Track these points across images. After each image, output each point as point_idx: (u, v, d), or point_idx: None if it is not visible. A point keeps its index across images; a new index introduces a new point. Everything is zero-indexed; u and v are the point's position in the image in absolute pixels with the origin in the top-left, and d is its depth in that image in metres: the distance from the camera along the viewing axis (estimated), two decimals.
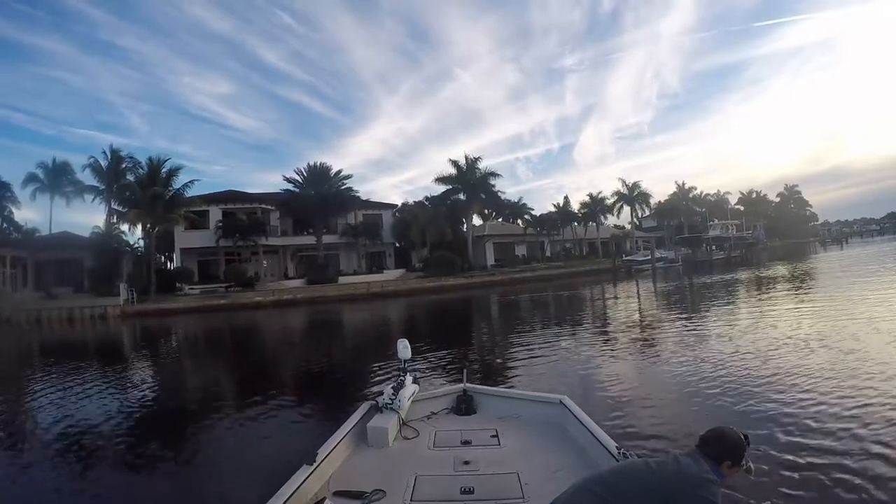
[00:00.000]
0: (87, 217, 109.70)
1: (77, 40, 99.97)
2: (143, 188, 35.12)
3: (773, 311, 14.36)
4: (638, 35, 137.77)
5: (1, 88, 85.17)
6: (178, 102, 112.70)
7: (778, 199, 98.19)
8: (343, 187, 43.53)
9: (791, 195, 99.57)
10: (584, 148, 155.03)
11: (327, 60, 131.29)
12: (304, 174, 43.35)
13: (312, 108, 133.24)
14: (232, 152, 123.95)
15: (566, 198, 60.10)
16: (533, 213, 54.21)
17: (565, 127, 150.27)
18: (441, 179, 47.85)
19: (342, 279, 40.97)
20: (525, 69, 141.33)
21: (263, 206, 44.67)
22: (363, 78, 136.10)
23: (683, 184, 72.89)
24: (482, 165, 47.29)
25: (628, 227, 67.93)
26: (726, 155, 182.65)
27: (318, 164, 43.96)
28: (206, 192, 43.89)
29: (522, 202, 54.03)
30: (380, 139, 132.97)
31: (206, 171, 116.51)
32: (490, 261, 49.22)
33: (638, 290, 27.00)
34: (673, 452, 2.14)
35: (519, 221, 56.82)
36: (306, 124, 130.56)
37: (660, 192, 74.26)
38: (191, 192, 38.43)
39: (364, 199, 50.38)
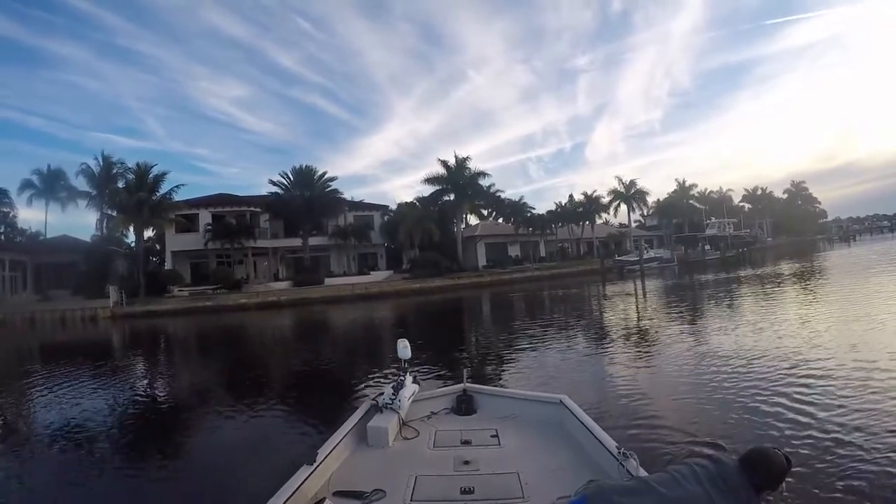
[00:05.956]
0: (91, 220, 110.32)
1: (95, 46, 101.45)
2: (131, 193, 35.58)
3: (751, 310, 14.69)
4: (648, 35, 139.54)
5: (19, 93, 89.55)
6: (195, 106, 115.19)
7: (785, 196, 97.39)
8: (328, 189, 43.38)
9: (798, 192, 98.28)
10: (596, 147, 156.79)
11: (342, 64, 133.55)
12: (290, 177, 43.21)
13: (327, 110, 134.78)
14: (248, 154, 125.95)
15: (571, 196, 59.74)
16: (534, 211, 53.67)
17: (577, 126, 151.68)
18: (430, 180, 47.79)
19: (330, 281, 40.90)
20: (537, 70, 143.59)
21: (252, 209, 44.69)
22: (377, 80, 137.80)
23: (684, 181, 72.69)
24: (473, 165, 47.27)
25: (634, 226, 67.88)
26: (737, 152, 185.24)
27: (304, 166, 43.95)
28: (200, 196, 45.06)
29: (523, 201, 53.40)
30: (393, 140, 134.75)
31: (222, 174, 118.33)
32: (482, 261, 49.08)
33: (634, 290, 27.09)
34: (706, 488, 1.84)
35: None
36: (321, 126, 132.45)
37: (670, 190, 74.44)
38: (184, 197, 39.87)
39: (358, 200, 51.54)
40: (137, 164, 38.16)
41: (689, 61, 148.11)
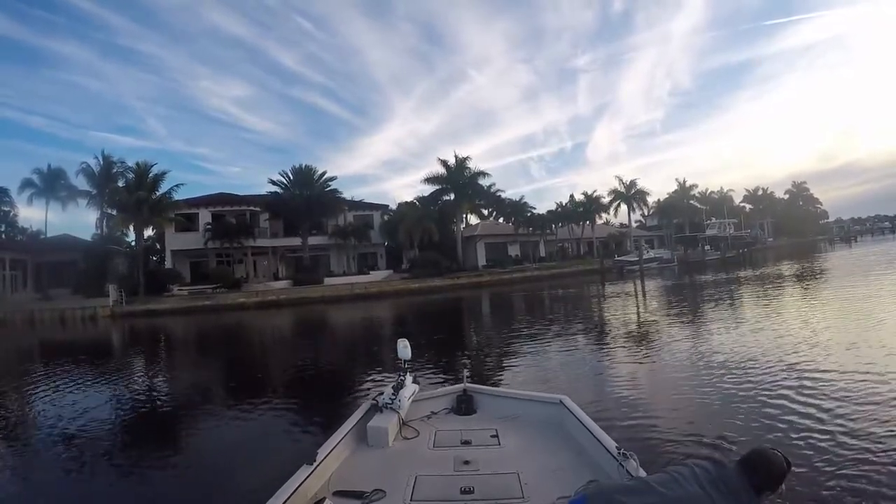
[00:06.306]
0: (92, 219, 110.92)
1: (97, 46, 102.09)
2: (130, 193, 35.70)
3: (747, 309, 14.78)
4: (649, 35, 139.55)
5: (21, 93, 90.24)
6: (196, 105, 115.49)
7: (786, 197, 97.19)
8: (328, 189, 43.36)
9: (799, 192, 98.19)
10: (597, 146, 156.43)
11: (343, 63, 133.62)
12: (290, 176, 43.17)
13: (328, 109, 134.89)
14: (249, 154, 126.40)
15: (571, 196, 59.72)
16: (535, 211, 53.55)
17: (578, 126, 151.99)
18: (430, 179, 47.77)
19: (329, 280, 40.91)
20: (538, 70, 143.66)
21: (252, 208, 44.72)
22: (378, 80, 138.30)
23: (685, 181, 72.52)
24: (473, 164, 47.24)
25: (635, 225, 67.67)
26: (738, 152, 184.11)
27: (303, 166, 43.93)
28: (200, 195, 45.19)
29: (523, 201, 53.26)
30: (394, 140, 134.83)
31: (223, 173, 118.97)
32: (482, 261, 49.05)
33: (634, 290, 27.04)
34: (709, 492, 1.83)
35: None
36: (322, 126, 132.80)
37: (670, 190, 74.55)
38: (185, 196, 40.03)
39: (359, 199, 51.53)
40: (137, 164, 38.38)
41: (690, 61, 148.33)
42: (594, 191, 57.15)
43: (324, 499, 2.76)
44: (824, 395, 6.04)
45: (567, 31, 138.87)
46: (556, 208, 55.98)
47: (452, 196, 47.79)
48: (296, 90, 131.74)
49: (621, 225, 66.41)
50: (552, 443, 3.79)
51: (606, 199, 57.80)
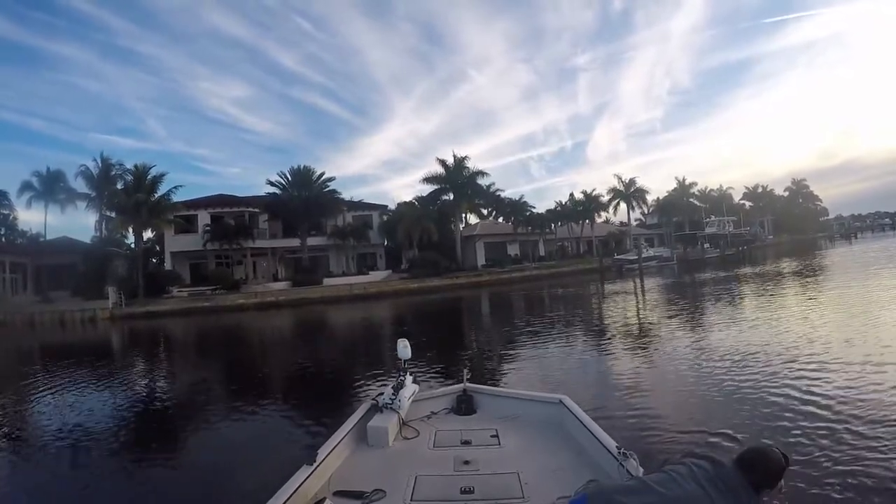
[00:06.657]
0: (91, 221, 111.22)
1: (97, 47, 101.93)
2: (129, 195, 35.75)
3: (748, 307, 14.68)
4: (648, 34, 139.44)
5: (21, 94, 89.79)
6: (196, 106, 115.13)
7: (786, 194, 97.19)
8: (326, 190, 43.32)
9: (799, 189, 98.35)
10: (597, 145, 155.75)
11: (343, 63, 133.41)
12: (288, 177, 43.09)
13: (328, 110, 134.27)
14: (248, 154, 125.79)
15: (571, 194, 59.65)
16: (535, 210, 53.58)
17: (578, 125, 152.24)
18: (429, 179, 47.73)
19: (328, 281, 40.86)
20: (538, 69, 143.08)
21: (251, 209, 44.72)
22: (378, 80, 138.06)
23: (684, 179, 72.53)
24: (473, 164, 47.16)
25: (634, 224, 67.68)
26: (738, 151, 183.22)
27: (302, 166, 43.88)
28: (199, 197, 45.25)
29: (522, 200, 53.34)
30: (394, 140, 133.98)
31: (223, 174, 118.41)
32: (481, 260, 49.05)
33: (634, 289, 27.04)
34: (708, 491, 1.83)
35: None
36: (322, 126, 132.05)
37: (670, 188, 74.63)
38: (185, 197, 40.13)
39: (358, 199, 51.48)
40: (136, 166, 38.38)
41: (690, 60, 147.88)
42: (594, 189, 57.30)
43: (324, 499, 2.75)
44: (824, 390, 6.05)
45: (567, 31, 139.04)
46: (556, 207, 55.97)
47: (451, 196, 47.73)
48: (296, 90, 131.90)
49: (621, 223, 66.34)
50: (552, 443, 3.78)
51: (606, 198, 57.90)
